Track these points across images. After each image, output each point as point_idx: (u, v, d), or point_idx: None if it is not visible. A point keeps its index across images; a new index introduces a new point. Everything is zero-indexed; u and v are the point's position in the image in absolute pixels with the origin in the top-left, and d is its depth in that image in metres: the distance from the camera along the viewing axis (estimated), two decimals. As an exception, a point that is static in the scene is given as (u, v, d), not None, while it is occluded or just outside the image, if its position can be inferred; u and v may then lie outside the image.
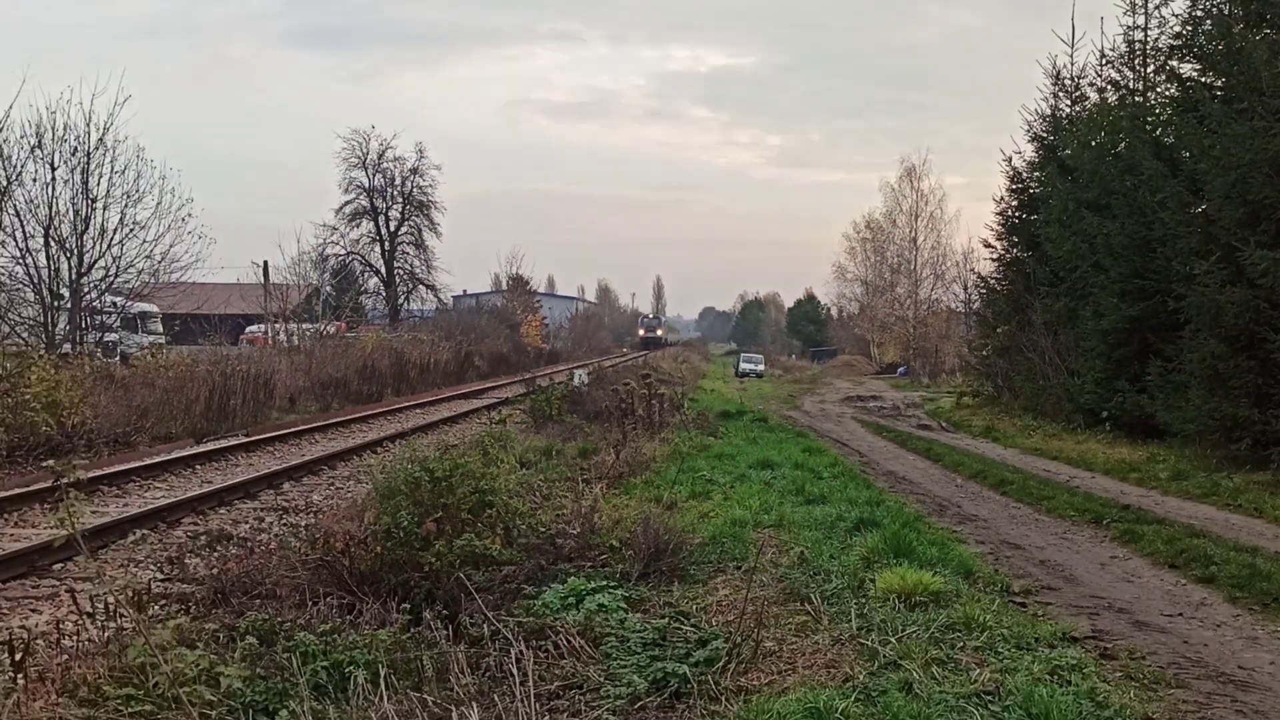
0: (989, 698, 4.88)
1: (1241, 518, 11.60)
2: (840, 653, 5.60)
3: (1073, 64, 26.90)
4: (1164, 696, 5.34)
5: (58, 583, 8.30)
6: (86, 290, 23.51)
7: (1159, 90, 21.71)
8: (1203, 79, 17.65)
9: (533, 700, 4.66)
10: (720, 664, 5.36)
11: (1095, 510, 11.70)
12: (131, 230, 23.59)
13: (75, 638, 5.92)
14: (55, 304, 23.11)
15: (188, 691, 4.47)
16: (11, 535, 10.22)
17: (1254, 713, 5.24)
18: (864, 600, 6.65)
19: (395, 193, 57.27)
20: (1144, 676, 5.63)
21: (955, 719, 4.59)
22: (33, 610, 7.62)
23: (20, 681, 5.06)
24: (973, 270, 43.20)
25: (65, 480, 4.70)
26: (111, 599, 5.93)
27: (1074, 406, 21.72)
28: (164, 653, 4.75)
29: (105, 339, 25.41)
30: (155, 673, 4.58)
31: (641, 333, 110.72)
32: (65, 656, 5.51)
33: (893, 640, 5.72)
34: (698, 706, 4.88)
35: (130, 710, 4.80)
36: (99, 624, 5.90)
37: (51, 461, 4.75)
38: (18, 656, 5.29)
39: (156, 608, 6.53)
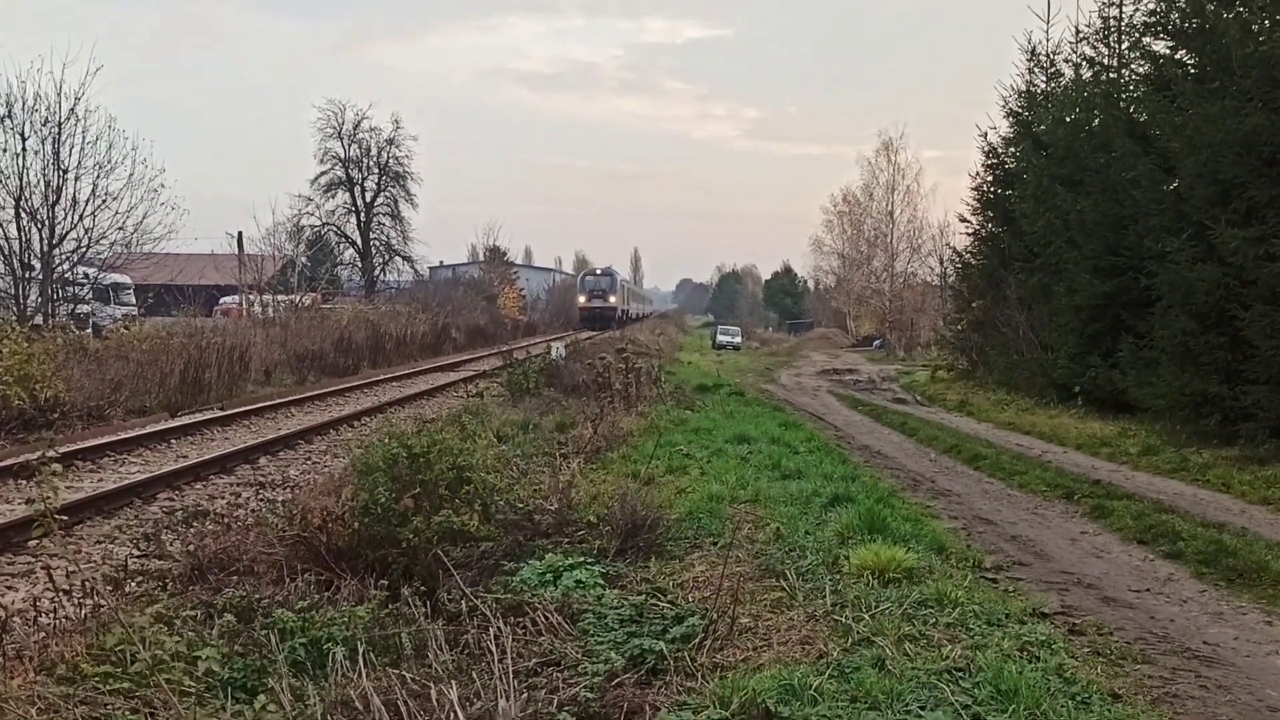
0: (960, 674, 4.97)
1: (1209, 493, 11.77)
2: (815, 629, 5.68)
3: (1048, 40, 27.08)
4: (1130, 672, 5.45)
5: (33, 559, 8.26)
6: (58, 262, 23.26)
7: (1132, 67, 21.80)
8: (1175, 57, 17.72)
9: (511, 677, 4.70)
10: (696, 640, 5.42)
11: (1066, 485, 11.85)
12: (104, 201, 23.38)
13: (52, 615, 5.91)
14: (26, 275, 22.88)
15: (167, 677, 4.48)
16: (-15, 510, 10.16)
17: (1217, 687, 5.36)
18: (838, 576, 6.72)
19: (371, 163, 57.07)
20: (1111, 652, 5.74)
21: (926, 695, 4.67)
22: (8, 587, 7.60)
23: (-2, 659, 5.07)
24: (949, 245, 43.51)
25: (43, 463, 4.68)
26: (88, 577, 5.93)
27: (1047, 381, 21.91)
28: (142, 634, 4.76)
29: (78, 311, 25.16)
30: (134, 657, 4.60)
31: (583, 300, 71.92)
32: (43, 634, 5.51)
33: (866, 617, 5.80)
34: (674, 683, 4.94)
35: (109, 688, 4.82)
36: (76, 602, 5.90)
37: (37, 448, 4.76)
38: (-5, 634, 5.29)
39: (133, 585, 6.53)
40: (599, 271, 77.33)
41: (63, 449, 13.23)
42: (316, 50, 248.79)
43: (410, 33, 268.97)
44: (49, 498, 4.69)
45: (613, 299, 71.39)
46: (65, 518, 5.33)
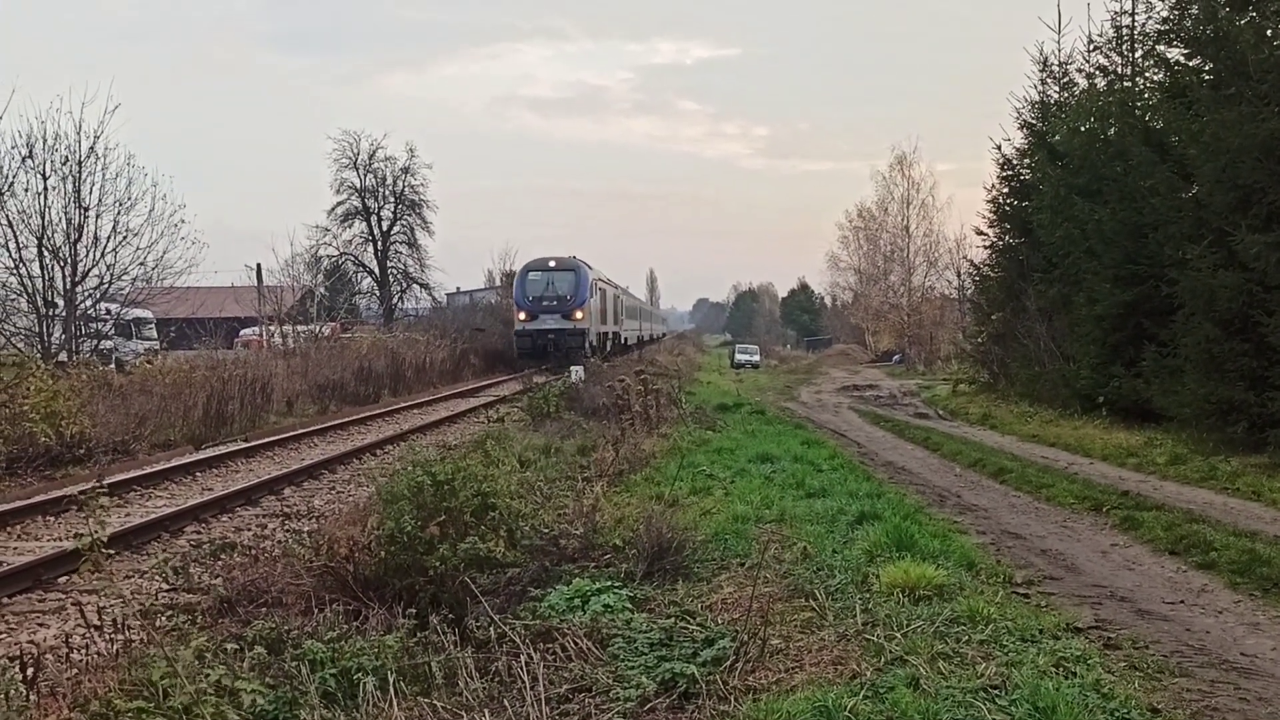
0: (996, 692, 4.92)
1: (1240, 501, 11.65)
2: (847, 649, 5.63)
3: (1060, 50, 26.91)
4: (1168, 686, 5.38)
5: (64, 596, 8.30)
6: (81, 299, 23.46)
7: (1147, 76, 21.74)
8: (1190, 64, 17.66)
9: (543, 704, 4.69)
10: (728, 663, 5.39)
11: (1094, 497, 11.74)
12: (125, 238, 23.55)
13: (84, 651, 5.93)
14: (50, 313, 23.07)
15: (212, 711, 4.48)
16: (15, 549, 10.22)
17: (1257, 700, 5.28)
18: (868, 595, 6.68)
19: (387, 192, 57.38)
20: (1148, 666, 5.66)
21: (963, 714, 4.62)
22: (40, 624, 7.63)
23: (32, 697, 5.08)
24: (966, 257, 43.43)
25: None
26: (119, 612, 5.95)
27: (1070, 392, 21.76)
28: (182, 667, 4.77)
29: (101, 347, 25.36)
30: (177, 691, 4.60)
31: (522, 316, 40.90)
32: (75, 671, 5.53)
33: (898, 635, 5.76)
34: (707, 707, 4.90)
35: (142, 724, 4.83)
36: (107, 637, 5.93)
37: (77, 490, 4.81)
38: (29, 672, 5.31)
39: (163, 619, 6.55)
40: (552, 264, 42.25)
41: (90, 485, 13.36)
42: (327, 83, 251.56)
43: (418, 63, 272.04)
44: (98, 530, 4.72)
45: (579, 314, 40.30)
46: (113, 551, 5.37)
